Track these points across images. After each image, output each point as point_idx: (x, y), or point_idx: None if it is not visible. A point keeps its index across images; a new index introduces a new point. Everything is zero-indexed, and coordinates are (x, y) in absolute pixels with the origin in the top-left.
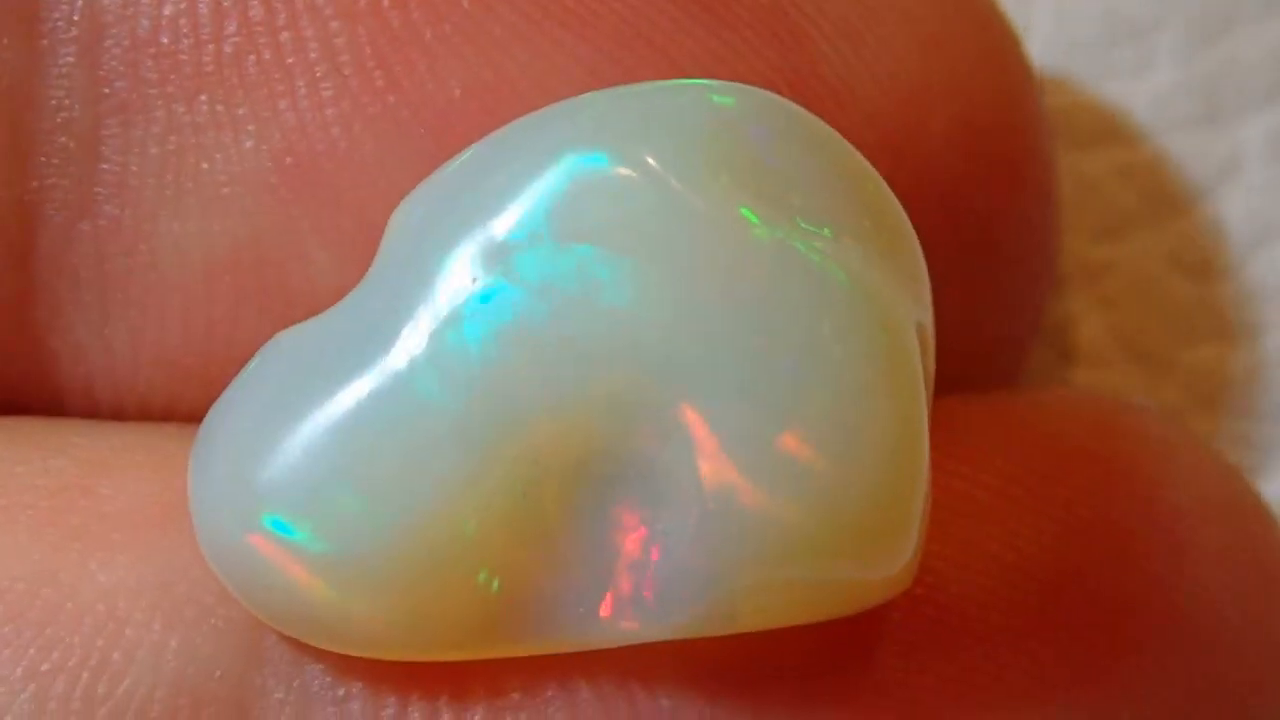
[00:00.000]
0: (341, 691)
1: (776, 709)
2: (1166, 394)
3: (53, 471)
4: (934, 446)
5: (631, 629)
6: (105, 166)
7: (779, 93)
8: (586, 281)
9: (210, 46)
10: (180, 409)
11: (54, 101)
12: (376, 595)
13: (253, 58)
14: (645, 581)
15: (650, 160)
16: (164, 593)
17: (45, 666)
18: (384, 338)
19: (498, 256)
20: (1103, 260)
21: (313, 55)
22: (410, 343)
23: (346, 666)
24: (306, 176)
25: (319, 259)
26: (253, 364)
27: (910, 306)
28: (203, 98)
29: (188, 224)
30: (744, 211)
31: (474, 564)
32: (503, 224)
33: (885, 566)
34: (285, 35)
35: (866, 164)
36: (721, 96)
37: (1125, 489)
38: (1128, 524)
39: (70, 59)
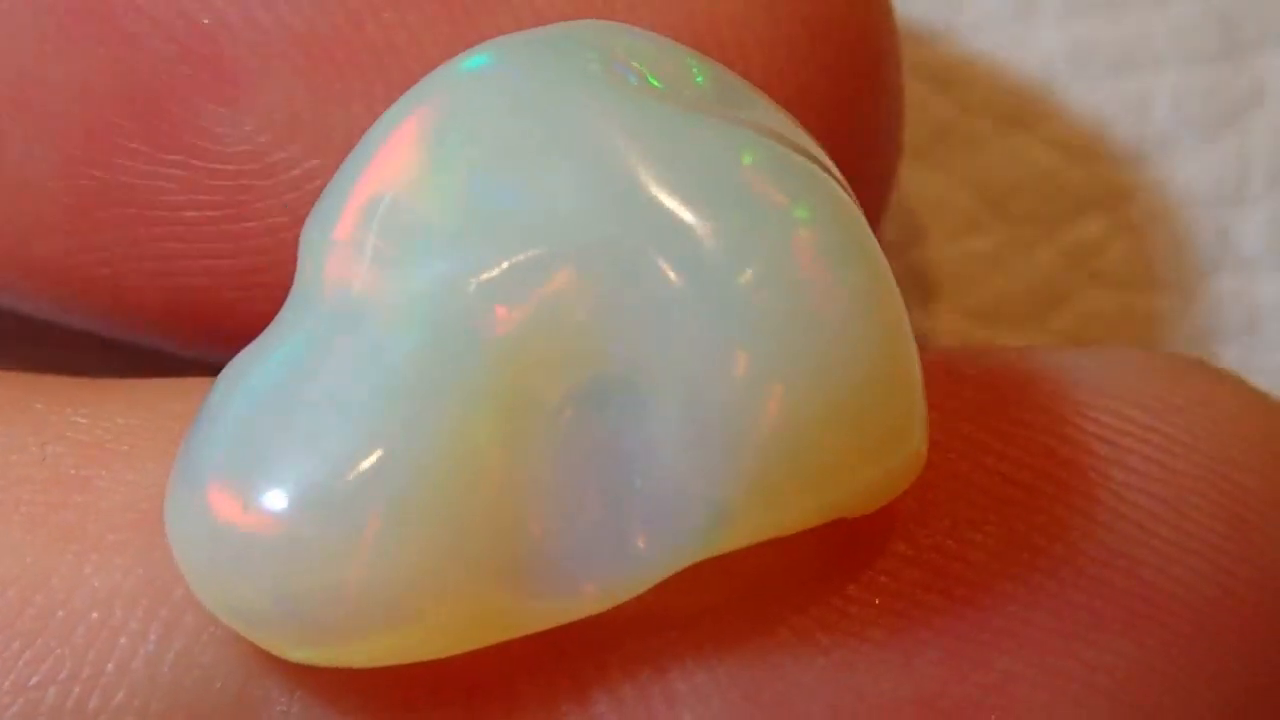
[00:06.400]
0: (347, 703)
1: None
2: (1194, 321)
3: (49, 460)
4: (975, 412)
5: (658, 555)
6: None
7: None
8: (508, 199)
9: None
10: None
11: None
12: (414, 570)
13: None
14: (653, 500)
15: (511, 65)
16: (161, 598)
17: (35, 679)
18: (325, 332)
19: (381, 217)
20: (1127, 185)
21: None
22: (352, 332)
23: (352, 675)
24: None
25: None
26: (210, 403)
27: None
28: None
29: None
30: (631, 80)
31: (494, 519)
32: (382, 181)
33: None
34: None
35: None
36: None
37: (1186, 467)
38: (1188, 507)
39: None
